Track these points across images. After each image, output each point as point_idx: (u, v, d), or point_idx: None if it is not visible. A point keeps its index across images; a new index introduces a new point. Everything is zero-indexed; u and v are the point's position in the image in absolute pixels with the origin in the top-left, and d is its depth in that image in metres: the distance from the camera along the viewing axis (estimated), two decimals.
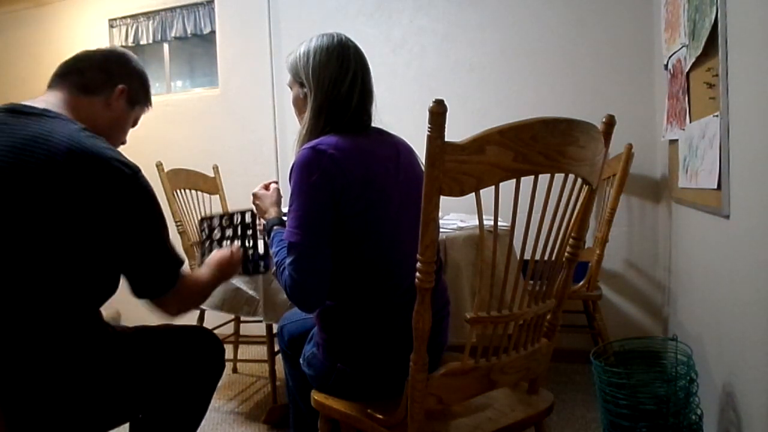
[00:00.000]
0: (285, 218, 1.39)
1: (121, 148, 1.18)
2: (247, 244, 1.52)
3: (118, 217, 1.05)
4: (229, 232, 1.52)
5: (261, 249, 1.54)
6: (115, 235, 1.05)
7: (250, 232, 1.52)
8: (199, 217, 1.62)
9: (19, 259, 0.99)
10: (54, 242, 1.00)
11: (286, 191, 1.30)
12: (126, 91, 1.24)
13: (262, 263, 1.53)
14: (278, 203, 1.46)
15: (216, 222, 1.55)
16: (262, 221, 1.49)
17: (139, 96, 1.29)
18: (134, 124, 1.34)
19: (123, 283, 1.14)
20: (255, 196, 1.49)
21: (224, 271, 1.35)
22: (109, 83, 1.21)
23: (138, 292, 1.14)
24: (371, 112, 1.31)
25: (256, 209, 1.50)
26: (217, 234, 1.54)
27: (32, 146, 1.00)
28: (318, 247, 1.16)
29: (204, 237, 1.56)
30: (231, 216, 1.54)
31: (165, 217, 1.16)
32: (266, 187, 1.49)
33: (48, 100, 1.14)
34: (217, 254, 1.38)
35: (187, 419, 1.27)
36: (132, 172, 1.07)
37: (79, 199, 1.00)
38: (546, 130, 0.93)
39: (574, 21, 2.67)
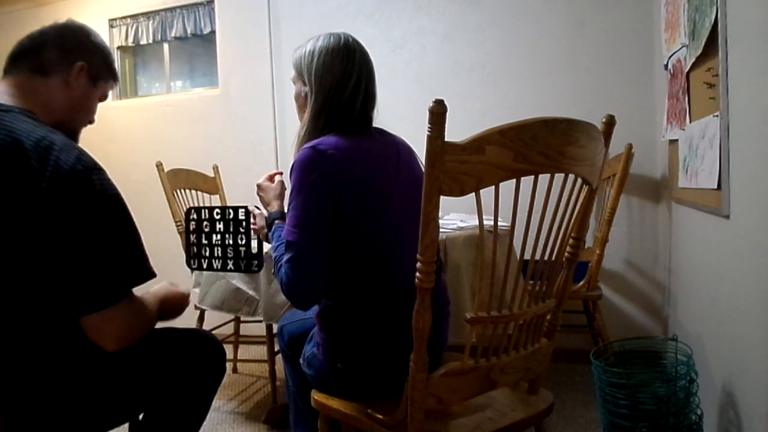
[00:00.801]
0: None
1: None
2: (239, 241, 1.51)
3: (58, 214, 0.96)
4: (220, 226, 1.51)
5: (255, 248, 1.53)
6: (58, 234, 0.97)
7: (243, 229, 1.51)
8: (186, 207, 1.59)
9: (13, 260, 0.98)
10: (34, 241, 0.97)
11: (286, 191, 1.30)
12: (86, 68, 1.16)
13: (255, 262, 1.51)
14: (282, 196, 1.45)
15: (206, 214, 1.53)
16: (263, 214, 1.48)
17: (101, 72, 1.20)
18: (102, 99, 1.25)
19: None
20: (259, 187, 1.47)
21: (167, 310, 1.22)
22: (66, 61, 1.14)
23: (76, 305, 0.99)
24: (372, 116, 1.30)
25: (260, 200, 1.48)
26: (206, 226, 1.52)
27: None
28: (315, 247, 1.16)
29: (192, 229, 1.54)
30: (223, 210, 1.53)
31: (126, 222, 1.05)
32: (270, 179, 1.48)
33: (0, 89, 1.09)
34: (166, 288, 1.26)
35: (187, 422, 1.26)
36: (83, 168, 0.98)
37: (25, 197, 0.95)
38: (546, 130, 0.93)
39: (574, 21, 2.67)
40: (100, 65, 1.20)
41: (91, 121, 1.25)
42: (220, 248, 1.51)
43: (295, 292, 1.18)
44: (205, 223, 1.53)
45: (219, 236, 1.49)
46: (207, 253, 1.53)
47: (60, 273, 0.98)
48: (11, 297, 0.99)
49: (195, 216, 1.54)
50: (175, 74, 3.68)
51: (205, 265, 1.54)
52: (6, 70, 1.13)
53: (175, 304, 1.27)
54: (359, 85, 1.24)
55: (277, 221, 1.37)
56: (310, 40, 1.27)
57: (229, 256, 1.53)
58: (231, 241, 1.52)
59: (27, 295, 1.00)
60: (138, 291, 1.09)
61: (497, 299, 1.03)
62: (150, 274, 1.07)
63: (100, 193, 1.01)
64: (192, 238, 1.53)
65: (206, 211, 1.54)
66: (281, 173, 1.49)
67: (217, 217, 1.52)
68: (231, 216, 1.52)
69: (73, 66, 1.15)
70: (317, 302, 1.25)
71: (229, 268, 1.53)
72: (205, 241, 1.52)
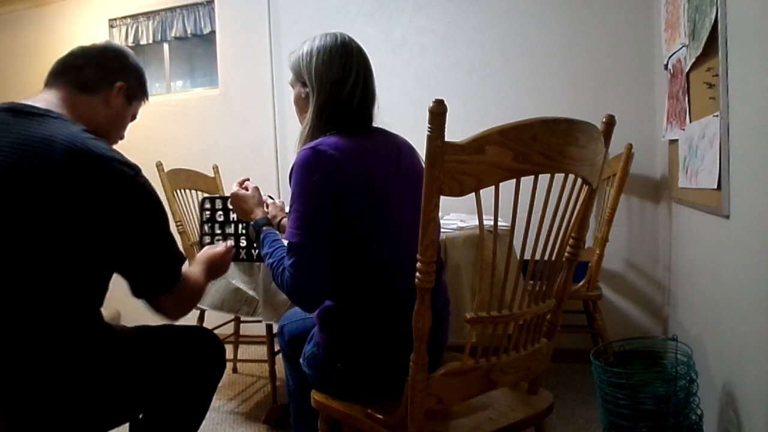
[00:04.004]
0: (284, 219, 1.39)
1: (122, 148, 1.17)
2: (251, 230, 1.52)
3: (121, 216, 1.04)
4: (233, 215, 1.52)
5: None
6: (117, 235, 1.05)
7: None
8: (201, 198, 1.61)
9: (20, 260, 0.99)
10: (53, 243, 0.99)
11: (287, 191, 1.30)
12: (124, 88, 1.24)
13: None
14: (261, 203, 1.45)
15: (220, 204, 1.54)
16: (276, 204, 1.48)
17: (136, 92, 1.29)
18: (133, 118, 1.34)
19: (123, 284, 1.14)
20: (236, 197, 1.45)
21: (214, 269, 1.36)
22: (107, 80, 1.21)
23: (138, 291, 1.13)
24: (373, 112, 1.31)
25: (239, 211, 1.47)
26: (220, 216, 1.54)
27: (34, 148, 1.00)
28: (318, 247, 1.17)
29: (206, 218, 1.55)
30: None
31: (167, 215, 1.16)
32: (241, 185, 1.48)
33: (48, 99, 1.14)
34: (208, 251, 1.38)
35: (187, 420, 1.27)
36: (134, 173, 1.08)
37: (79, 200, 1.00)
38: (546, 130, 0.93)
39: (574, 21, 2.67)
40: (136, 85, 1.29)
41: (122, 137, 1.32)
42: (233, 237, 1.52)
43: (302, 293, 1.18)
44: (219, 212, 1.54)
45: (232, 226, 1.50)
46: (220, 242, 1.54)
47: (121, 266, 1.10)
48: (13, 296, 0.99)
49: (209, 206, 1.55)
50: (175, 74, 3.68)
51: None
52: (48, 83, 1.19)
53: (218, 262, 1.39)
54: (358, 81, 1.25)
55: (264, 227, 1.36)
56: (306, 42, 1.28)
57: (242, 245, 1.54)
58: (244, 231, 1.53)
59: (28, 295, 1.00)
60: None
61: (497, 299, 1.03)
62: (183, 257, 1.22)
63: (149, 191, 1.10)
64: (206, 227, 1.55)
65: (220, 200, 1.55)
66: (249, 179, 1.51)
67: (231, 206, 1.53)
68: None
69: (114, 86, 1.22)
70: (323, 302, 1.25)
71: (240, 257, 1.54)
72: (218, 231, 1.53)
